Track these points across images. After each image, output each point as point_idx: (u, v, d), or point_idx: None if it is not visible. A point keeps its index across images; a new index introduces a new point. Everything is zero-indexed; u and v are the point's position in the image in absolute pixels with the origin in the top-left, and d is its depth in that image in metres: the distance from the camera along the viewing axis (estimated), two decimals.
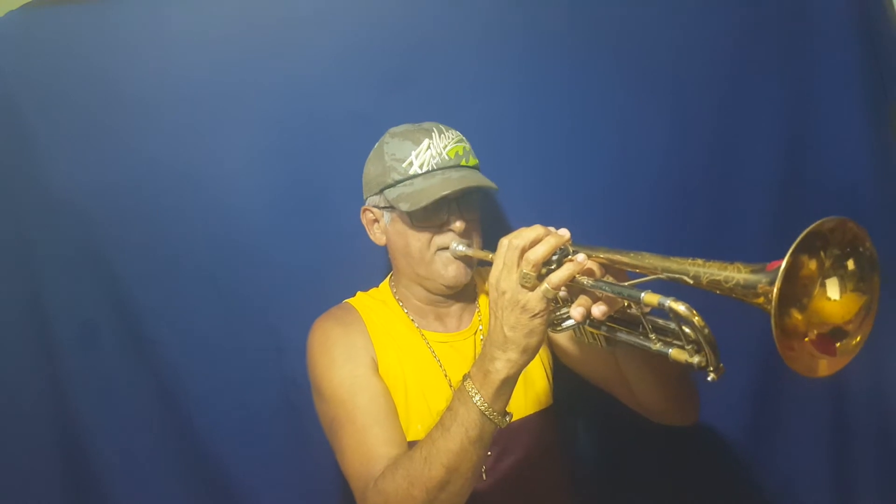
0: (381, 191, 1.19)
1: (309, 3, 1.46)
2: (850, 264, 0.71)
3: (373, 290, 1.32)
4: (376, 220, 1.25)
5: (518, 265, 0.88)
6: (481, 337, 1.26)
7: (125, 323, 1.46)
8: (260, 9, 1.45)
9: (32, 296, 1.44)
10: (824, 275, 0.71)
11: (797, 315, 0.71)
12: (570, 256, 0.89)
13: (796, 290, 0.71)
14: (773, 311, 0.65)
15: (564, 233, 0.90)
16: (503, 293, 0.89)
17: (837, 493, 1.51)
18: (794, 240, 0.66)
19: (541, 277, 0.87)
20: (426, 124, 1.22)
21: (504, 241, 0.91)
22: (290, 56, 1.44)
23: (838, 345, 0.72)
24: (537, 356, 1.23)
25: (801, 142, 1.48)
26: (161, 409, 1.48)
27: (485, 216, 1.25)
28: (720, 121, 1.48)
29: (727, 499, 1.52)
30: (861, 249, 0.70)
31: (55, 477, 1.45)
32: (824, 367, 0.71)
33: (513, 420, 0.95)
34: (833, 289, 0.72)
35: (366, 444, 1.06)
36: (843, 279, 0.71)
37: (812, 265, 0.71)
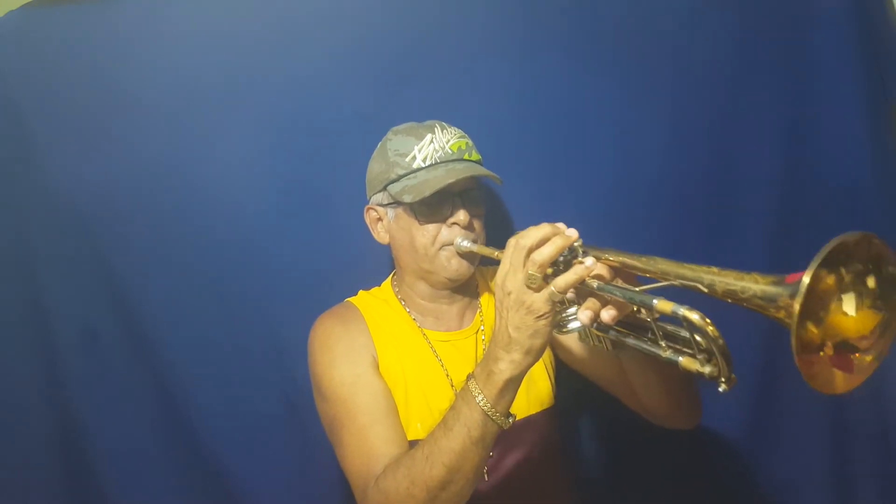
0: (385, 187, 1.19)
1: (309, 3, 1.46)
2: (871, 282, 0.67)
3: (374, 289, 1.32)
4: (380, 219, 1.25)
5: (524, 266, 0.87)
6: (483, 336, 1.26)
7: (125, 323, 1.46)
8: (260, 9, 1.45)
9: (33, 296, 1.44)
10: (842, 290, 0.67)
11: (813, 329, 0.68)
12: (579, 259, 0.87)
13: (814, 304, 0.67)
14: (793, 327, 0.62)
15: (572, 233, 0.88)
16: (508, 293, 0.88)
17: (838, 495, 1.51)
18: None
19: (547, 278, 0.86)
20: (428, 122, 1.22)
21: (511, 241, 0.90)
22: (291, 56, 1.44)
23: (855, 361, 0.69)
24: None
25: (801, 142, 1.48)
26: (161, 409, 1.47)
27: (487, 215, 1.25)
28: (720, 120, 1.48)
29: (728, 500, 1.52)
30: (884, 269, 0.67)
31: (55, 477, 1.44)
32: (841, 383, 0.68)
33: (515, 421, 0.94)
34: (849, 304, 0.68)
35: (366, 443, 1.06)
36: (862, 296, 0.68)
37: (830, 279, 0.67)
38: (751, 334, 1.41)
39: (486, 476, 1.15)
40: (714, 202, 1.51)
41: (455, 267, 1.19)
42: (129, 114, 1.42)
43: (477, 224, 1.20)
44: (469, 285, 1.27)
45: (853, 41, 1.45)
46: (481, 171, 1.17)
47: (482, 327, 1.27)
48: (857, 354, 0.69)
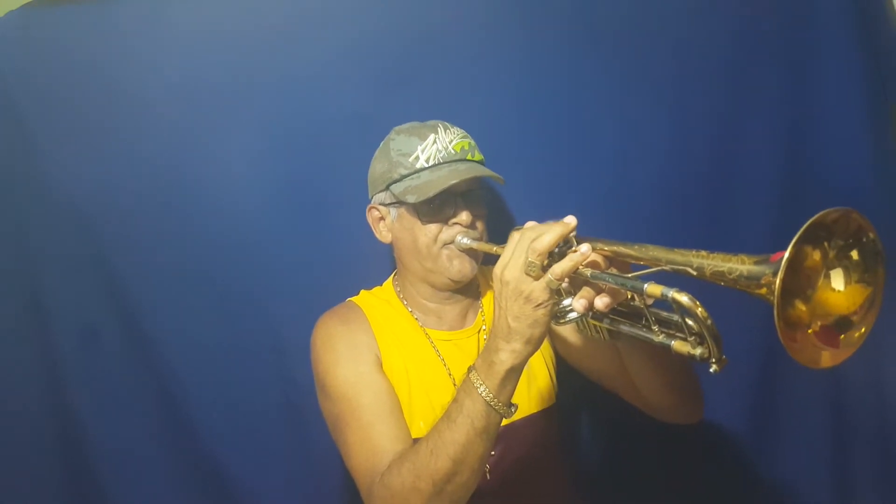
0: (388, 187, 1.19)
1: (309, 2, 1.46)
2: (855, 255, 0.70)
3: (376, 289, 1.32)
4: (382, 218, 1.25)
5: (525, 255, 0.88)
6: (485, 336, 1.26)
7: (125, 323, 1.46)
8: (260, 9, 1.45)
9: (32, 296, 1.44)
10: (828, 265, 0.71)
11: (801, 306, 0.71)
12: (574, 248, 0.89)
13: (800, 282, 0.71)
14: (775, 302, 0.64)
15: (571, 220, 0.90)
16: (507, 283, 0.89)
17: (838, 493, 1.51)
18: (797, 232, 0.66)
19: (545, 268, 0.87)
20: (431, 122, 1.22)
21: (515, 234, 0.92)
22: (290, 56, 1.44)
23: (842, 337, 0.71)
24: (540, 354, 1.24)
25: (801, 141, 1.48)
26: (161, 409, 1.47)
27: (489, 215, 1.25)
28: (721, 120, 1.48)
29: (728, 498, 1.52)
30: (865, 240, 0.70)
31: (55, 476, 1.44)
32: (827, 358, 0.71)
33: (517, 413, 0.95)
34: (838, 280, 0.71)
35: (370, 440, 1.06)
36: (848, 270, 0.71)
37: (816, 256, 0.70)
38: (753, 328, 1.41)
39: (487, 475, 1.15)
40: (714, 202, 1.51)
41: (457, 268, 1.19)
42: (130, 113, 1.42)
43: (479, 224, 1.20)
44: (471, 285, 1.27)
45: (853, 41, 1.45)
46: (484, 171, 1.18)
47: (484, 327, 1.27)
48: (846, 330, 0.72)
